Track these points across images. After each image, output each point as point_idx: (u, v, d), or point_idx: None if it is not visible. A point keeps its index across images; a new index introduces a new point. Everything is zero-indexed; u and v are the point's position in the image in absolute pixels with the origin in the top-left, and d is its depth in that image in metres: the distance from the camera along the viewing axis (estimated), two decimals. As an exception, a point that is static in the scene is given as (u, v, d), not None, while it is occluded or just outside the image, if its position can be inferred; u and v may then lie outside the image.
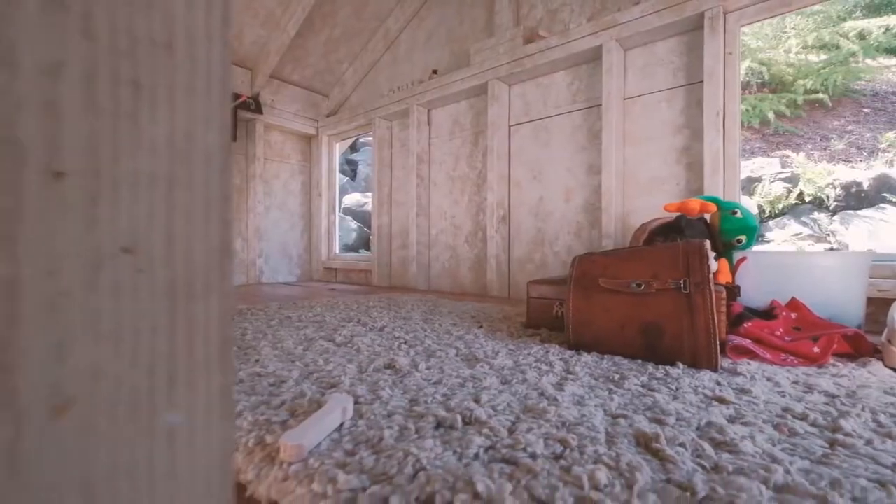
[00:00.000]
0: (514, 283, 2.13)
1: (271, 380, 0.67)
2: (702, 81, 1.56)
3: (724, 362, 0.74)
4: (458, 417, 0.51)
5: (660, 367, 0.71)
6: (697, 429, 0.49)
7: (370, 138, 3.40)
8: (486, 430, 0.48)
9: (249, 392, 0.62)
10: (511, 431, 0.48)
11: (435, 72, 2.41)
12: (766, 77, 4.77)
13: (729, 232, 1.10)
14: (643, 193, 1.73)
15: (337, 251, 3.17)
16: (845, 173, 3.74)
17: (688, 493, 0.37)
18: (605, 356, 0.78)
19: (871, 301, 1.21)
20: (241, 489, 0.40)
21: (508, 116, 2.16)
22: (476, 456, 0.43)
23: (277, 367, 0.74)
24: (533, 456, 0.43)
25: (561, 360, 0.76)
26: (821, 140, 4.38)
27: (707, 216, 1.15)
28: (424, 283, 2.50)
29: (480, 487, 0.37)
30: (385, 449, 0.44)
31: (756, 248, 1.45)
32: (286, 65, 2.79)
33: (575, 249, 1.93)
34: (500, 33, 2.13)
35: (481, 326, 1.14)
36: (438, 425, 0.50)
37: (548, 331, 1.06)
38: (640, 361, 0.75)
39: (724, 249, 1.12)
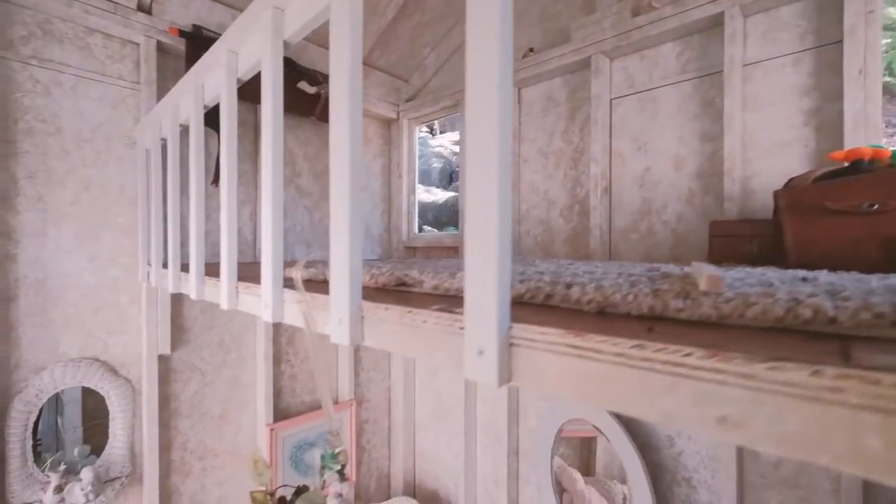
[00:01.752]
0: (615, 252, 2.17)
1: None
2: (834, 43, 1.57)
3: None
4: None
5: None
6: None
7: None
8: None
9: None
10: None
11: (531, 50, 2.47)
12: None
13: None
14: (766, 157, 1.74)
15: (416, 230, 3.27)
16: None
17: None
18: (839, 272, 0.82)
19: None
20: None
21: (610, 90, 2.20)
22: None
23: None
24: None
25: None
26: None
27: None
28: (517, 258, 2.56)
29: None
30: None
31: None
32: (374, 50, 2.90)
33: (687, 217, 1.96)
34: (604, 8, 2.18)
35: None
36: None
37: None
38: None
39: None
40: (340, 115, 0.73)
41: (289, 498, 1.75)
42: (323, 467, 1.52)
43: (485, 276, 0.49)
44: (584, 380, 0.44)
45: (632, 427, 2.01)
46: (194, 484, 2.31)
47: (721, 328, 0.43)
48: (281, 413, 2.61)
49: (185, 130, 1.60)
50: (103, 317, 2.01)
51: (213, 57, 1.27)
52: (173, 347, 2.20)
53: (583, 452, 2.35)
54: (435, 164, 7.20)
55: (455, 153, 7.27)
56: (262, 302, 0.96)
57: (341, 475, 1.54)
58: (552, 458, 2.35)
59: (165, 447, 2.19)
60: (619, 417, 2.03)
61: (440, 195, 6.43)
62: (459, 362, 0.54)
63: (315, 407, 2.77)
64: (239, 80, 1.21)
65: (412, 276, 0.78)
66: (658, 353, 0.39)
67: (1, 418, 1.74)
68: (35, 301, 1.83)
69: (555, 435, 2.32)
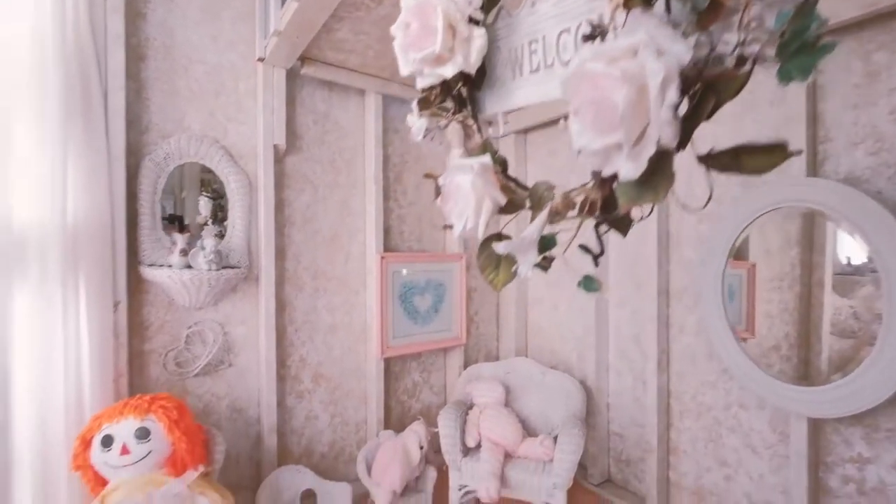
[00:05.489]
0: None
1: None
2: None
3: None
4: None
5: None
6: None
7: None
8: None
9: None
10: None
11: None
12: None
13: None
14: None
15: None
16: None
17: None
18: None
19: None
20: None
21: None
22: None
23: None
24: None
25: None
26: None
27: None
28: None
29: None
30: None
31: None
32: None
33: None
34: None
35: None
36: None
37: None
38: None
39: None
40: None
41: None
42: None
43: None
44: None
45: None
46: (307, 302, 2.19)
47: None
48: (388, 250, 2.42)
49: None
50: (224, 101, 1.94)
51: None
52: (286, 152, 2.10)
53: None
54: None
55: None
56: None
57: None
58: (723, 279, 1.85)
59: (280, 253, 2.09)
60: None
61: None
62: None
63: (422, 255, 2.55)
64: None
65: None
66: None
67: (133, 178, 1.72)
68: (163, 65, 1.80)
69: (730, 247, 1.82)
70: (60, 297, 1.49)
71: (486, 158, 0.63)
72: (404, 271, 2.41)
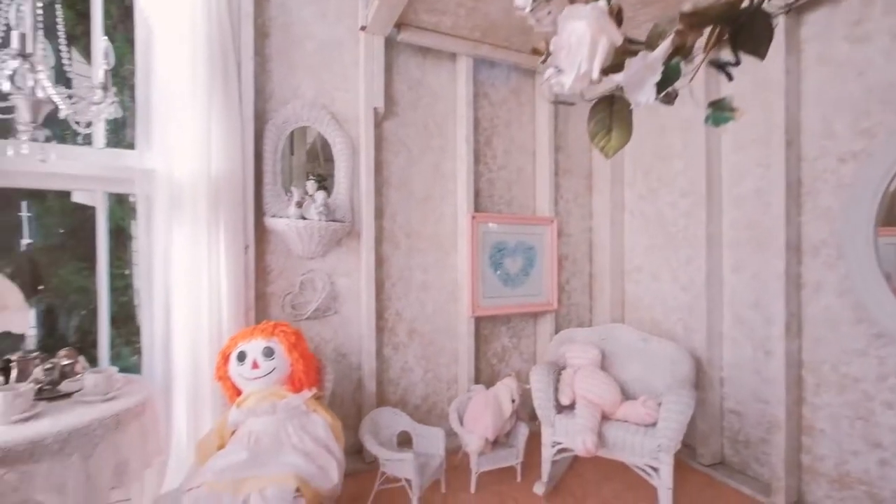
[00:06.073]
0: None
1: None
2: None
3: None
4: None
5: None
6: None
7: None
8: None
9: None
10: None
11: None
12: None
13: None
14: None
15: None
16: None
17: None
18: None
19: None
20: None
21: None
22: None
23: None
24: None
25: None
26: None
27: None
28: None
29: None
30: None
31: None
32: None
33: None
34: None
35: None
36: None
37: None
38: None
39: None
40: None
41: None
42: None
43: None
44: None
45: None
46: (402, 259, 2.31)
47: None
48: (479, 211, 2.45)
49: None
50: (331, 72, 2.13)
51: None
52: (384, 117, 2.23)
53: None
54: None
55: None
56: None
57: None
58: (875, 229, 1.56)
59: (378, 212, 2.23)
60: None
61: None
62: None
63: (513, 217, 2.53)
64: None
65: None
66: None
67: (259, 139, 1.97)
68: (283, 41, 2.04)
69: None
70: (206, 238, 1.76)
71: (602, 2, 0.61)
72: (494, 230, 2.42)
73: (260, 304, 1.97)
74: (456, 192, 2.41)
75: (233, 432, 1.50)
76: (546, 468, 1.92)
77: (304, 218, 1.95)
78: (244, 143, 1.89)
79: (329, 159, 2.12)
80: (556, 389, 1.97)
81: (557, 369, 2.08)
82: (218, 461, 1.36)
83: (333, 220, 2.04)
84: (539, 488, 1.92)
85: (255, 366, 1.56)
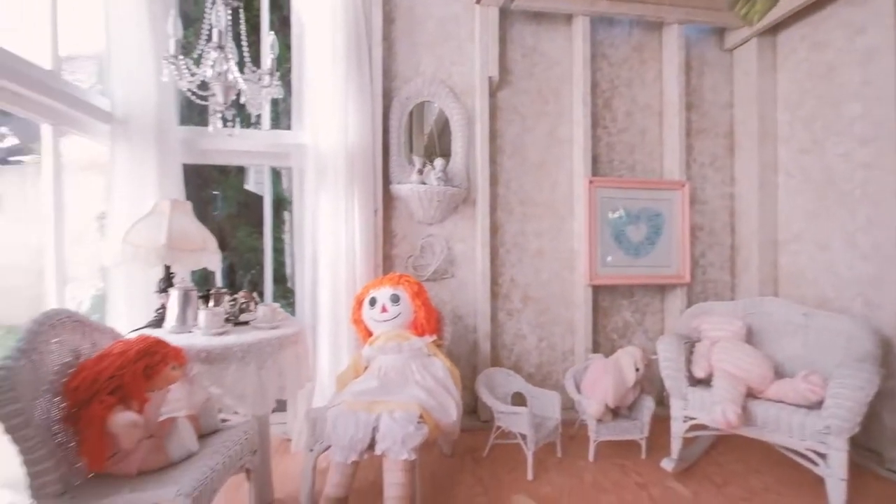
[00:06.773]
0: None
1: None
2: None
3: None
4: None
5: None
6: None
7: None
8: None
9: None
10: None
11: None
12: None
13: None
14: None
15: None
16: None
17: None
18: None
19: None
20: None
21: None
22: None
23: None
24: None
25: None
26: None
27: None
28: None
29: None
30: None
31: None
32: None
33: None
34: None
35: None
36: None
37: None
38: None
39: None
40: None
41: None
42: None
43: None
44: None
45: None
46: (515, 226, 2.32)
47: None
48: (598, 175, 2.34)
49: None
50: (449, 48, 2.26)
51: None
52: (498, 87, 2.27)
53: None
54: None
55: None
56: None
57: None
58: None
59: (493, 179, 2.28)
60: None
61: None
62: None
63: (635, 181, 2.36)
64: None
65: None
66: None
67: (386, 115, 2.18)
68: (406, 23, 2.22)
69: None
70: (343, 204, 2.01)
71: None
72: (615, 195, 2.28)
73: (386, 265, 2.18)
74: (572, 157, 2.34)
75: (366, 368, 1.69)
76: (676, 445, 1.74)
77: (423, 184, 2.10)
78: (374, 119, 2.11)
79: (446, 131, 2.24)
80: (689, 361, 1.78)
81: (690, 342, 1.87)
82: (355, 386, 1.54)
83: (451, 186, 2.15)
84: (668, 464, 1.75)
85: (384, 310, 1.74)
